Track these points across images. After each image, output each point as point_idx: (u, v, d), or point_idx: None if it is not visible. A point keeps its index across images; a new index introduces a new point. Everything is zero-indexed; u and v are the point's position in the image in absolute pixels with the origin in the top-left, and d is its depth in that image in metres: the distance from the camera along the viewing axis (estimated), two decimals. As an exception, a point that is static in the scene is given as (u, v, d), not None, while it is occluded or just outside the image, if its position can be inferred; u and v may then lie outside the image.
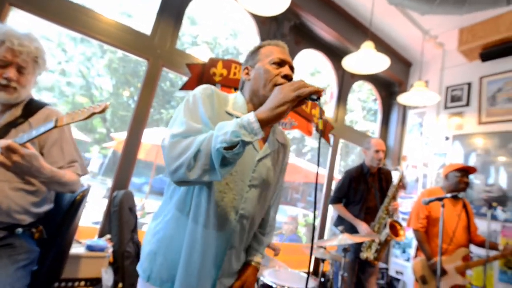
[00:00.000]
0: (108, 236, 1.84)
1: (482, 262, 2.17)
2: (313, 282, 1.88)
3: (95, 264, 1.65)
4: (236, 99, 0.93)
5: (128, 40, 2.22)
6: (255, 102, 0.90)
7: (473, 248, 2.61)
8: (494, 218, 2.74)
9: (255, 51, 0.95)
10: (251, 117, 0.66)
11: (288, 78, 0.86)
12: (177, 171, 0.70)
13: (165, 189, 0.92)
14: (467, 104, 3.31)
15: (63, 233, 1.28)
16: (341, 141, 3.61)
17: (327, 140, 3.25)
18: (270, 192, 0.96)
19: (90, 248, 1.67)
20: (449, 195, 1.81)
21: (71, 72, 12.65)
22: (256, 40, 3.03)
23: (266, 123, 0.67)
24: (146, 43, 2.30)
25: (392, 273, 3.49)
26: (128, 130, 2.22)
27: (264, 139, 0.91)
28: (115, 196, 1.93)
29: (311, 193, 15.64)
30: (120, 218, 1.86)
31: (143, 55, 2.29)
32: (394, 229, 2.13)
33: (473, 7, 1.88)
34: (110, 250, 1.75)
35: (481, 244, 2.30)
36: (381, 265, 3.34)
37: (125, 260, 1.82)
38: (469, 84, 3.34)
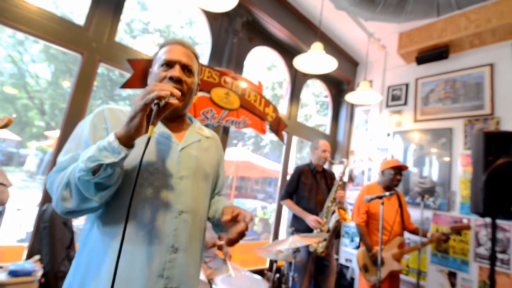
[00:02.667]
0: (37, 257, 1.62)
1: (414, 248, 2.42)
2: (265, 285, 1.89)
3: (20, 291, 1.45)
4: None
5: (56, 31, 1.94)
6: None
7: (410, 235, 2.87)
8: (426, 207, 3.05)
9: (154, 55, 0.90)
10: (111, 137, 0.64)
11: (174, 80, 0.81)
12: (57, 205, 0.69)
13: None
14: (405, 103, 3.60)
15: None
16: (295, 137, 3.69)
17: (281, 138, 3.29)
18: (209, 183, 0.93)
19: (13, 273, 1.45)
20: (387, 193, 1.96)
21: (-2, 57, 10.98)
22: (207, 35, 2.90)
23: (128, 139, 0.64)
24: (78, 35, 2.03)
25: (342, 261, 3.72)
26: (61, 133, 1.97)
27: (183, 134, 0.90)
28: (45, 210, 1.71)
29: (270, 184, 16.05)
30: (52, 235, 1.65)
31: (76, 49, 2.03)
32: (340, 214, 2.28)
33: (409, 16, 2.02)
34: (40, 273, 1.55)
35: (413, 232, 2.57)
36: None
37: (59, 280, 1.63)
38: (407, 85, 3.63)
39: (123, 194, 0.75)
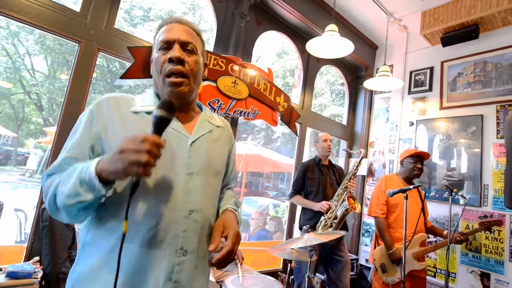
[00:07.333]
0: (37, 258, 1.65)
1: (438, 247, 2.39)
2: (279, 286, 1.88)
3: (21, 293, 1.48)
4: (145, 95, 0.87)
5: (51, 18, 1.94)
6: (161, 94, 0.85)
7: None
8: (455, 202, 2.97)
9: (154, 39, 0.87)
10: (92, 172, 0.63)
11: (174, 61, 0.78)
12: (50, 210, 0.72)
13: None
14: (430, 89, 3.49)
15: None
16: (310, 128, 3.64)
17: (293, 129, 3.24)
18: (219, 179, 0.91)
19: (12, 275, 1.48)
20: (411, 186, 1.90)
21: (-9, 50, 11.21)
22: (212, 20, 2.87)
23: (107, 179, 0.64)
24: (75, 22, 2.03)
25: (362, 261, 3.68)
26: (58, 128, 1.98)
27: (193, 124, 0.87)
28: (44, 209, 1.73)
29: (283, 180, 16.03)
30: (52, 235, 1.67)
31: (73, 37, 2.03)
32: (350, 203, 2.36)
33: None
34: (40, 274, 1.57)
35: (429, 230, 2.52)
36: (351, 256, 3.49)
37: (60, 283, 1.66)
38: (431, 69, 3.52)
39: (124, 191, 0.73)
